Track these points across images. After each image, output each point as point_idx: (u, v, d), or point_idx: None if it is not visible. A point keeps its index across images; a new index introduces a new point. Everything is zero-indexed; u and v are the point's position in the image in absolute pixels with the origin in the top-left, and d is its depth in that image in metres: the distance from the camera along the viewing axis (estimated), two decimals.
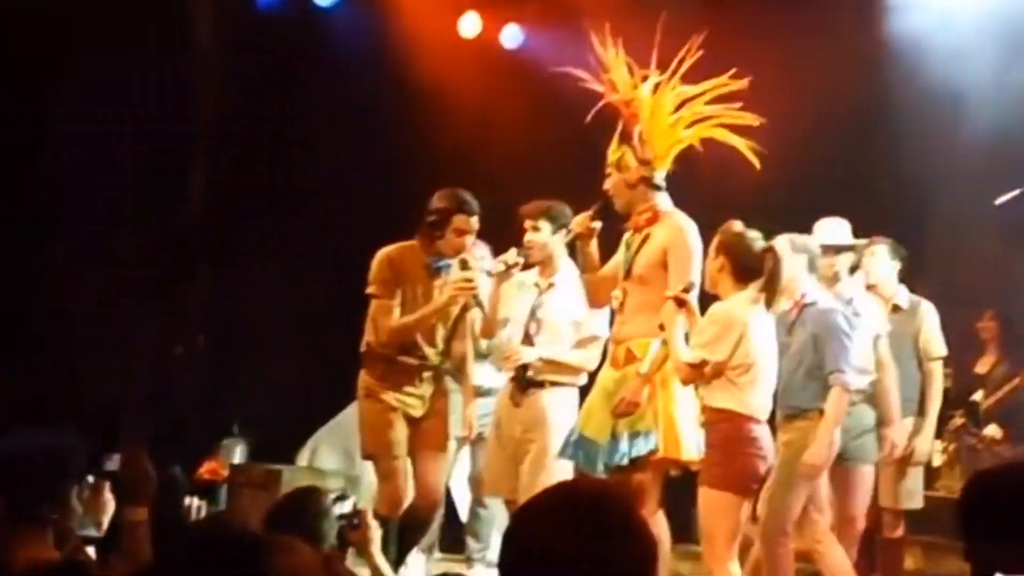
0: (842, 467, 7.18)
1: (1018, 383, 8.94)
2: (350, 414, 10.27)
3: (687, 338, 6.47)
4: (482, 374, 8.17)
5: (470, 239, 7.44)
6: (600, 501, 2.33)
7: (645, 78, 6.94)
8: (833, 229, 7.60)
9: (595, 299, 7.23)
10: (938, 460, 8.30)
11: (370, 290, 7.39)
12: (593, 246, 7.10)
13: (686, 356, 6.36)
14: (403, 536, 7.34)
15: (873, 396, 7.51)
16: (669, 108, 6.95)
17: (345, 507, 4.89)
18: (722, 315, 6.41)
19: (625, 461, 6.57)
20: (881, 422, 7.55)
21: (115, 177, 10.87)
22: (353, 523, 4.89)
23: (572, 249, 7.35)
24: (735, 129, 6.90)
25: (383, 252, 7.48)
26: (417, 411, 7.45)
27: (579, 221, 7.11)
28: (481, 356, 8.17)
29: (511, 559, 2.28)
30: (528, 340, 7.60)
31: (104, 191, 10.81)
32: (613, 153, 6.94)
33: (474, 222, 7.38)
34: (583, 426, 6.86)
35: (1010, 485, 1.35)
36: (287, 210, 10.96)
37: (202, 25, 11.27)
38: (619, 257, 7.03)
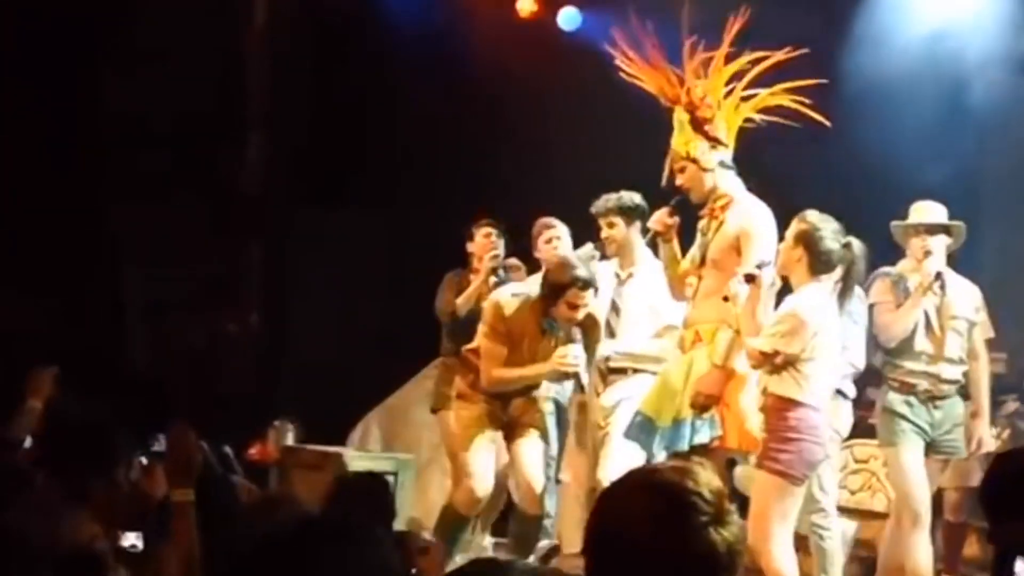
0: (935, 461, 7.33)
1: None
2: (402, 396, 10.31)
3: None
4: None
5: (583, 311, 7.34)
6: (691, 489, 2.30)
7: (706, 63, 6.88)
8: (928, 209, 7.50)
9: (678, 294, 7.20)
10: (992, 446, 8.16)
11: (482, 334, 7.44)
12: (674, 242, 7.08)
13: (760, 344, 6.34)
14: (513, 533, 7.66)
15: (966, 387, 7.47)
16: (724, 88, 6.90)
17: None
18: (801, 309, 6.36)
19: (685, 446, 6.53)
20: (972, 414, 7.49)
21: (172, 147, 10.85)
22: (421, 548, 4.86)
23: (654, 247, 7.33)
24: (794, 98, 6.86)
25: (499, 301, 7.48)
26: (507, 413, 7.58)
27: (658, 219, 7.09)
28: None
29: (594, 541, 2.27)
30: (609, 330, 7.69)
31: (160, 162, 10.81)
32: (684, 145, 6.87)
33: (587, 296, 7.30)
34: (645, 407, 6.84)
35: None
36: (342, 189, 10.91)
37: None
38: (695, 247, 7.00)
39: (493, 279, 8.42)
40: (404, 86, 10.95)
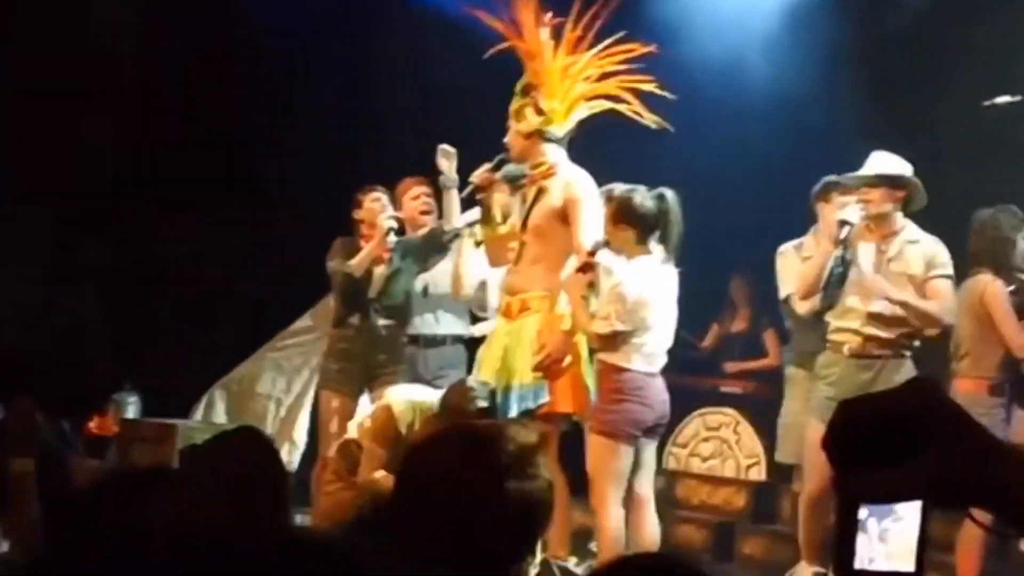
0: None
1: None
2: (248, 369, 10.14)
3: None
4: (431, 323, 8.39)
5: None
6: (496, 439, 2.38)
7: (556, 28, 6.90)
8: (872, 159, 7.16)
9: (496, 256, 7.30)
10: None
11: (368, 433, 7.10)
12: (495, 199, 7.20)
13: (596, 327, 6.57)
14: None
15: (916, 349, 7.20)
16: (575, 65, 6.99)
17: None
18: (627, 288, 6.57)
19: (514, 413, 6.62)
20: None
21: (25, 126, 10.53)
22: None
23: (474, 202, 7.38)
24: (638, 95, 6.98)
25: (393, 411, 7.02)
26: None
27: (478, 174, 7.20)
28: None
29: (405, 494, 2.30)
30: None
31: (15, 139, 10.49)
32: (513, 103, 6.99)
33: None
34: (481, 375, 6.92)
35: (873, 413, 1.31)
36: (197, 164, 10.66)
37: None
38: (515, 213, 7.12)
39: (390, 239, 8.34)
40: (262, 59, 10.74)
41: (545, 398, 6.67)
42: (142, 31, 10.71)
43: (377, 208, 8.44)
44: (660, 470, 7.98)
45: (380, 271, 8.39)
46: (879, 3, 9.21)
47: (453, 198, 7.81)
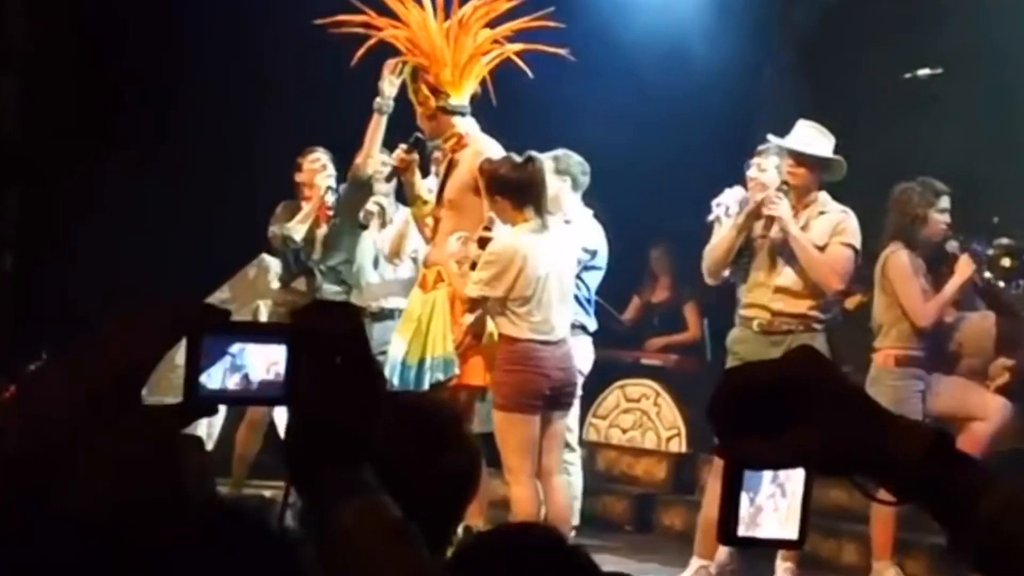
0: None
1: None
2: None
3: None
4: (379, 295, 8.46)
5: None
6: (425, 410, 2.43)
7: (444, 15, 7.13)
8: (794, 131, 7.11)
9: (424, 233, 7.39)
10: None
11: None
12: (416, 180, 7.30)
13: (469, 290, 6.64)
14: None
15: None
16: (456, 26, 7.11)
17: None
18: (500, 252, 6.63)
19: (426, 385, 6.71)
20: None
21: None
22: None
23: (399, 184, 7.56)
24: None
25: None
26: None
27: (396, 155, 7.31)
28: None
29: None
30: None
31: None
32: (412, 93, 7.16)
33: None
34: (400, 351, 6.94)
35: (757, 380, 1.32)
36: (106, 129, 10.52)
37: None
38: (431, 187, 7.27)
39: (330, 198, 8.35)
40: (170, 19, 10.60)
41: (455, 371, 6.75)
42: None
43: (317, 168, 8.42)
44: (581, 442, 8.00)
45: (322, 231, 8.36)
46: None
47: (377, 125, 7.70)
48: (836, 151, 7.05)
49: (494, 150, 6.91)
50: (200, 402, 1.46)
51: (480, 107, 7.24)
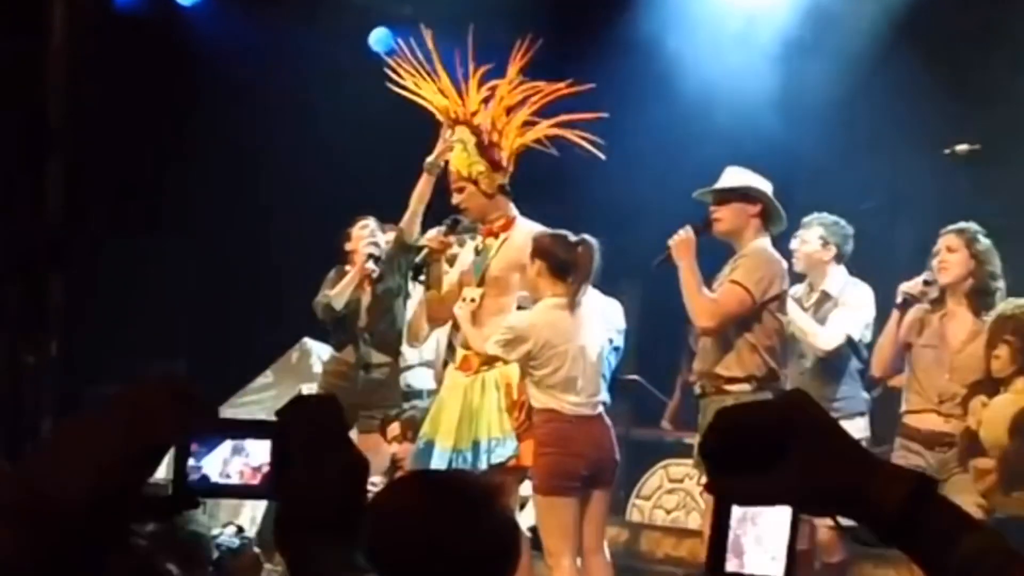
0: None
1: None
2: None
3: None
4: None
5: None
6: (463, 487, 2.40)
7: (492, 88, 7.01)
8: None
9: (438, 315, 7.30)
10: None
11: None
12: (443, 262, 7.23)
13: (488, 347, 6.63)
14: None
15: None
16: (511, 116, 7.03)
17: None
18: (514, 325, 6.63)
19: (484, 466, 6.63)
20: None
21: None
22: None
23: (426, 265, 7.28)
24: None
25: None
26: None
27: (434, 237, 7.23)
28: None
29: (374, 544, 2.26)
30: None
31: None
32: (467, 166, 6.93)
33: None
34: (429, 431, 6.89)
35: (745, 420, 1.38)
36: (147, 213, 10.64)
37: (53, 24, 10.85)
38: (461, 267, 7.11)
39: (370, 266, 8.31)
40: (212, 109, 10.73)
41: (515, 451, 6.67)
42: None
43: (364, 235, 8.41)
44: (624, 522, 7.94)
45: (366, 298, 8.34)
46: None
47: (426, 186, 7.74)
48: None
49: (541, 231, 6.89)
50: (188, 495, 1.54)
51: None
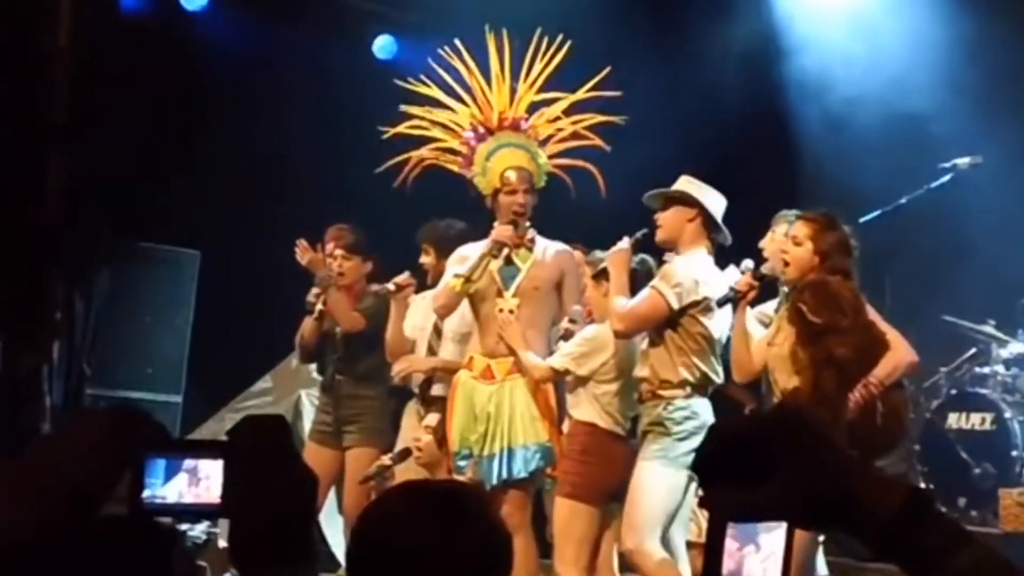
0: None
1: None
2: (207, 430, 10.04)
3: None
4: None
5: None
6: (450, 496, 2.36)
7: (512, 93, 7.16)
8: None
9: (452, 306, 7.18)
10: None
11: None
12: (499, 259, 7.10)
13: (554, 361, 6.66)
14: None
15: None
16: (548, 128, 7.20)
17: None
18: (594, 337, 6.66)
19: (522, 474, 6.71)
20: None
21: None
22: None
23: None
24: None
25: None
26: None
27: (505, 232, 7.02)
28: None
29: (360, 555, 2.24)
30: (431, 353, 7.71)
31: None
32: (539, 169, 7.08)
33: None
34: (476, 445, 6.86)
35: (737, 434, 1.37)
36: (149, 215, 10.64)
37: (59, 25, 10.85)
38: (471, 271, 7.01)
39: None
40: (216, 113, 10.73)
41: (552, 459, 6.77)
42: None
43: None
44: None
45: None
46: None
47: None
48: None
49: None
50: (143, 515, 1.60)
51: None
